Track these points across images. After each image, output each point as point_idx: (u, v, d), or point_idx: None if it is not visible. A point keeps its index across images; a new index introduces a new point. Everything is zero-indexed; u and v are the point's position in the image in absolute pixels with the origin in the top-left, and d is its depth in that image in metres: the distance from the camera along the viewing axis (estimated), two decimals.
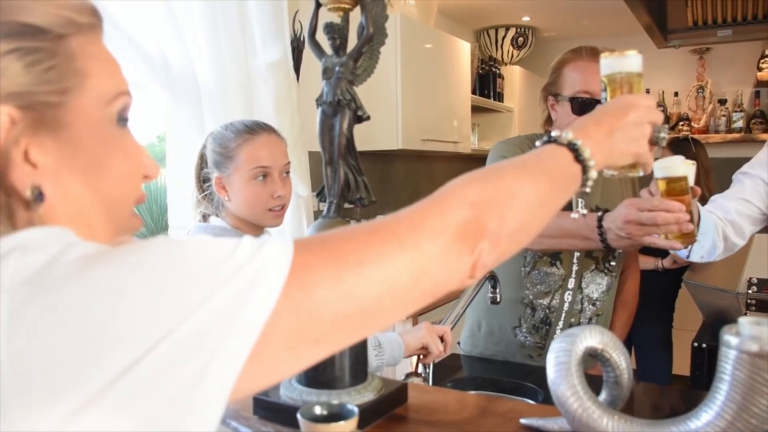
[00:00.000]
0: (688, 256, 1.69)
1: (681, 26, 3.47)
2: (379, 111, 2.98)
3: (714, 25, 3.42)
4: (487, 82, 4.22)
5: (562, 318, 1.73)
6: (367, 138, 3.04)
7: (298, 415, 0.77)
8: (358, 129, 3.16)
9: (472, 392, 1.57)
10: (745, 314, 2.47)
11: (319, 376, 0.95)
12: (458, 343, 1.96)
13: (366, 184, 0.98)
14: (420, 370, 1.30)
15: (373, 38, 0.95)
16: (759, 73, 4.30)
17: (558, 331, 1.74)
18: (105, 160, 0.56)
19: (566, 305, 1.72)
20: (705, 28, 3.44)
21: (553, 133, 0.74)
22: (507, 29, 4.48)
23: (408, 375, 1.27)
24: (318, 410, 0.79)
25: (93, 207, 0.55)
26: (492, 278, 1.48)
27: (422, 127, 3.11)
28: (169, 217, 2.58)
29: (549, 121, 1.78)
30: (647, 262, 2.83)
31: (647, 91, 4.68)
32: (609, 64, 1.03)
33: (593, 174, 0.74)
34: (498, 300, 1.51)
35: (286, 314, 0.45)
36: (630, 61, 1.03)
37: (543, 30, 4.68)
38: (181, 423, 0.42)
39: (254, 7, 2.40)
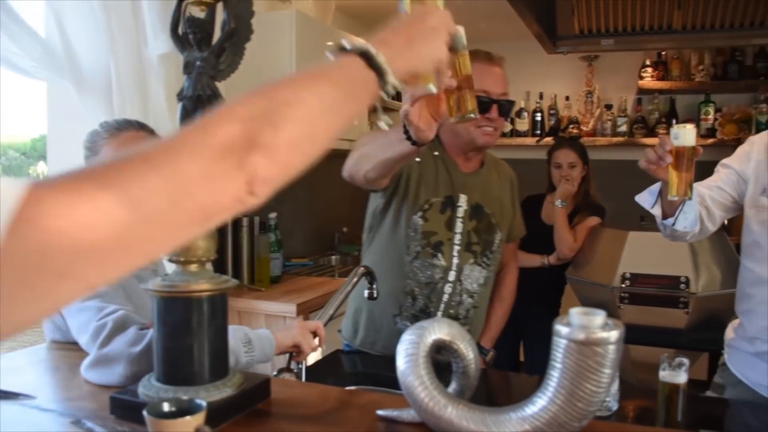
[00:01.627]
0: (673, 224, 1.79)
1: (569, 34, 3.63)
2: None
3: (598, 34, 3.60)
4: None
5: (441, 309, 1.77)
6: None
7: (144, 412, 0.76)
8: None
9: (352, 387, 1.59)
10: (619, 307, 2.62)
11: (176, 373, 0.94)
12: (339, 330, 1.99)
13: None
14: (293, 366, 1.30)
15: (235, 33, 0.95)
16: (640, 81, 4.56)
17: None
18: None
19: (446, 296, 1.77)
20: (590, 36, 3.61)
21: (344, 42, 0.74)
22: None
23: (280, 371, 1.28)
24: (166, 407, 0.78)
25: None
26: (369, 274, 1.51)
27: None
28: None
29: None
30: (534, 260, 2.95)
31: (540, 95, 4.88)
32: None
33: (391, 79, 0.73)
34: (375, 296, 1.54)
35: (16, 250, 0.42)
36: None
37: None
38: None
39: None
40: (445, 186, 1.78)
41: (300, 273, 3.26)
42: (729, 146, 4.40)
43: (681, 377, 1.43)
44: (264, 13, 2.96)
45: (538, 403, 0.80)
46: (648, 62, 4.57)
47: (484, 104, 1.67)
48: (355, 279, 1.47)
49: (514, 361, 3.14)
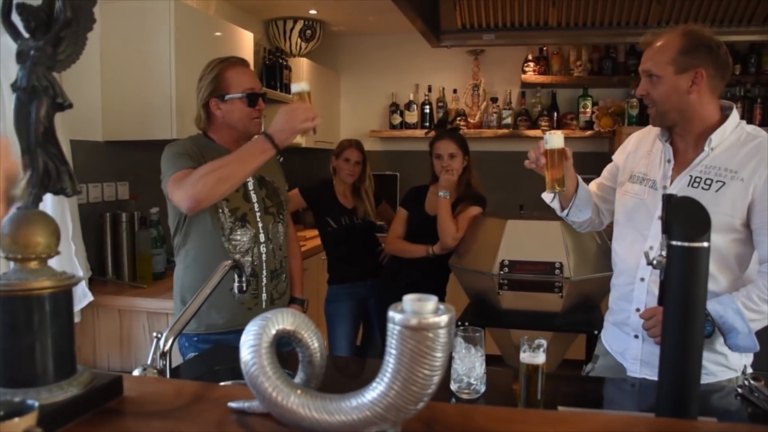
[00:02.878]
0: (567, 215, 2.06)
1: (451, 28, 3.73)
2: (153, 100, 2.88)
3: (480, 29, 3.71)
4: (273, 72, 4.23)
5: (264, 267, 2.12)
6: (141, 127, 2.92)
7: None
8: (132, 118, 3.02)
9: (227, 383, 1.58)
10: (498, 293, 2.72)
11: (17, 375, 0.90)
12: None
13: (70, 173, 0.94)
14: (157, 363, 1.28)
15: (72, 23, 0.92)
16: (523, 76, 4.75)
17: (264, 278, 2.12)
18: None
19: (264, 255, 2.13)
20: (472, 31, 3.73)
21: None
22: (295, 21, 4.52)
23: (144, 368, 1.25)
24: None
25: None
26: (236, 267, 1.50)
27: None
28: None
29: (208, 122, 2.15)
30: (419, 250, 3.01)
31: (429, 88, 4.98)
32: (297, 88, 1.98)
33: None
34: (244, 289, 1.53)
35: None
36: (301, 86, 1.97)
37: (331, 24, 4.78)
38: None
39: None
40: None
41: None
42: (605, 138, 4.66)
43: (539, 358, 1.51)
44: (142, 1, 2.86)
45: (377, 389, 0.82)
46: (530, 57, 4.76)
47: (254, 98, 2.10)
48: (222, 274, 1.46)
49: None
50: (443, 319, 0.79)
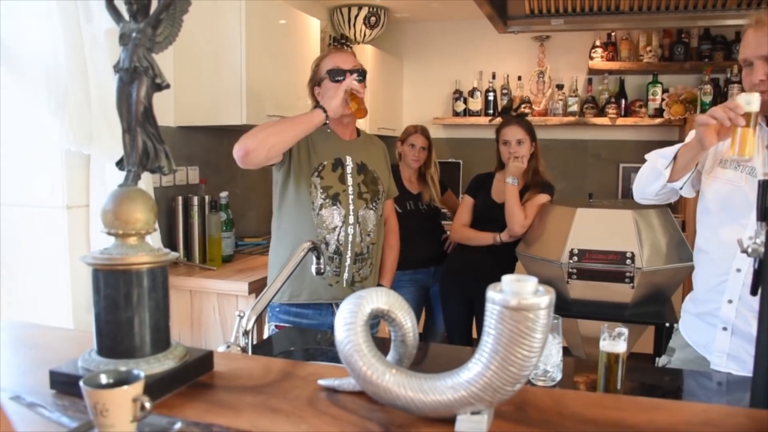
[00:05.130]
0: (681, 188, 1.88)
1: (519, 14, 3.66)
2: (223, 86, 2.92)
3: (548, 14, 3.64)
4: None
5: (349, 248, 2.20)
6: (212, 113, 2.97)
7: (81, 384, 0.75)
8: (203, 104, 3.08)
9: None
10: (567, 282, 2.68)
11: (116, 346, 0.93)
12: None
13: (167, 152, 0.97)
14: (240, 340, 1.31)
15: (171, 5, 0.94)
16: (591, 62, 4.64)
17: (348, 259, 2.20)
18: None
19: (350, 237, 2.20)
20: (540, 16, 3.65)
21: None
22: (360, 8, 4.52)
23: (228, 345, 1.28)
24: (103, 378, 0.78)
25: None
26: (315, 249, 1.51)
27: (268, 103, 3.09)
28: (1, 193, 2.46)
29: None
30: (485, 238, 2.99)
31: (493, 75, 4.92)
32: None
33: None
34: (322, 271, 1.55)
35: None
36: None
37: (395, 11, 4.77)
38: None
39: None
40: (332, 151, 2.22)
41: (252, 252, 3.25)
42: (675, 126, 4.52)
43: (620, 346, 1.48)
44: None
45: (474, 369, 0.82)
46: (598, 43, 4.64)
47: (341, 72, 2.19)
48: (302, 254, 1.48)
49: (467, 337, 3.20)
50: (544, 300, 0.78)
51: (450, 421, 0.83)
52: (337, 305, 2.17)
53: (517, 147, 2.91)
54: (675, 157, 1.85)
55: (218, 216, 2.95)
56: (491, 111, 4.87)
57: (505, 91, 4.92)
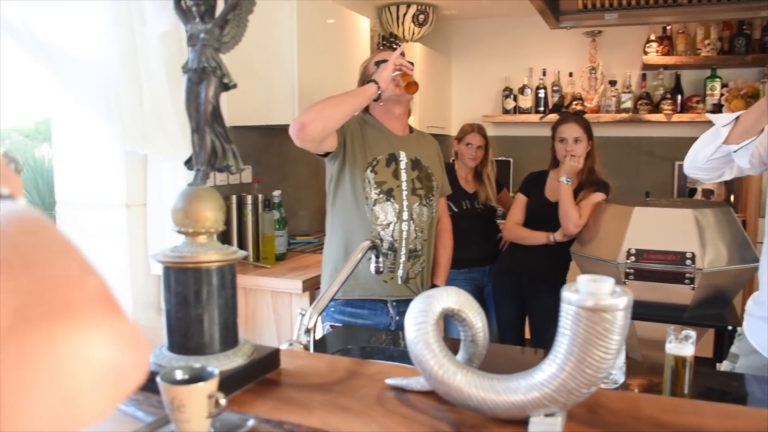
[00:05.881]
0: (735, 151, 1.76)
1: (572, 9, 3.60)
2: (276, 85, 2.95)
3: (602, 9, 3.57)
4: None
5: (404, 244, 2.19)
6: (264, 112, 3.00)
7: (158, 379, 0.76)
8: (255, 103, 3.11)
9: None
10: (624, 283, 2.62)
11: (187, 343, 0.94)
12: (317, 289, 2.33)
13: (234, 151, 0.97)
14: (302, 338, 1.31)
15: (238, 5, 0.94)
16: (645, 57, 4.53)
17: (403, 255, 2.20)
18: None
19: (404, 233, 2.19)
20: (594, 11, 3.58)
21: None
22: (408, 6, 4.51)
23: (290, 343, 1.29)
24: (179, 374, 0.79)
25: None
26: (374, 248, 1.51)
27: None
28: (57, 192, 2.53)
29: (366, 110, 2.31)
30: (539, 237, 2.95)
31: (544, 72, 4.85)
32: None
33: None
34: (381, 270, 1.55)
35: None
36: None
37: (444, 8, 4.74)
38: None
39: None
40: (385, 146, 2.22)
41: (305, 250, 3.27)
42: None
43: (687, 350, 1.43)
44: None
45: (547, 370, 0.80)
46: (653, 37, 4.53)
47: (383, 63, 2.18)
48: (361, 253, 1.48)
49: (520, 337, 3.16)
50: (622, 301, 0.76)
51: (522, 422, 0.82)
52: (392, 303, 2.17)
53: (574, 145, 2.86)
54: (737, 119, 1.74)
55: (271, 214, 2.97)
56: (542, 108, 4.80)
57: (555, 88, 4.85)
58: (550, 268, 2.98)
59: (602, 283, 0.78)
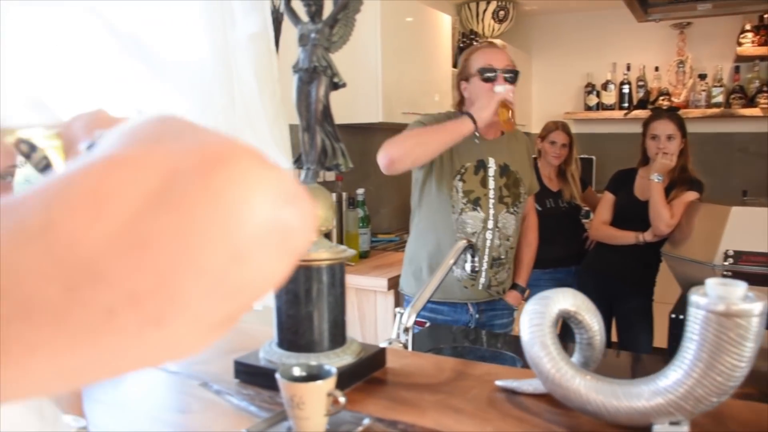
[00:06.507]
0: None
1: (661, 0, 3.48)
2: (360, 84, 2.97)
3: None
4: None
5: (487, 252, 2.15)
6: (348, 111, 3.02)
7: (277, 376, 0.77)
8: (338, 102, 3.13)
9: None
10: None
11: (298, 340, 0.96)
12: (400, 288, 2.34)
13: (343, 150, 0.98)
14: (401, 337, 1.31)
15: (348, 5, 0.95)
16: (739, 48, 4.32)
17: (485, 263, 2.16)
18: None
19: (488, 242, 2.15)
20: (685, 1, 3.45)
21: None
22: (488, 2, 4.46)
23: (389, 342, 1.29)
24: (297, 371, 0.80)
25: None
26: (470, 248, 1.50)
27: (403, 101, 3.10)
28: None
29: (461, 104, 2.22)
30: (628, 237, 2.86)
31: (628, 67, 4.71)
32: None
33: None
34: (477, 269, 1.53)
35: None
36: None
37: (524, 4, 4.66)
38: None
39: None
40: (474, 152, 2.15)
41: (387, 248, 3.28)
42: None
43: None
44: None
45: (672, 376, 0.77)
46: (748, 27, 4.32)
47: (491, 72, 2.09)
48: (458, 253, 1.47)
49: (606, 339, 3.08)
50: (756, 306, 0.72)
51: (643, 430, 0.79)
52: (473, 305, 2.16)
53: (667, 143, 2.75)
54: None
55: (355, 212, 3.00)
56: (626, 104, 4.66)
57: (641, 83, 4.69)
58: (639, 269, 2.89)
59: (733, 287, 0.74)
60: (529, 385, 0.90)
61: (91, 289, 0.27)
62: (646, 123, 2.86)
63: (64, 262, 0.27)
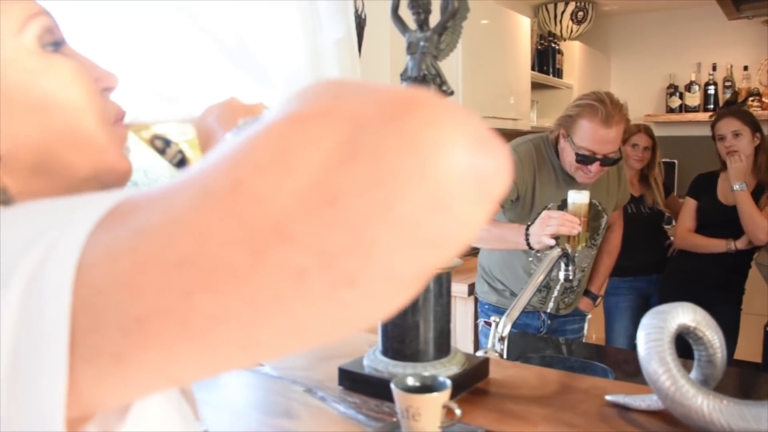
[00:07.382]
0: None
1: None
2: None
3: None
4: (546, 58, 4.14)
5: (559, 285, 2.12)
6: None
7: (392, 386, 0.78)
8: None
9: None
10: None
11: (404, 349, 0.96)
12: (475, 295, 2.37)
13: None
14: (496, 346, 1.30)
15: (457, 13, 0.95)
16: None
17: (556, 292, 2.14)
18: (38, 94, 0.47)
19: (561, 274, 1.95)
20: None
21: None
22: (566, 3, 4.38)
23: (485, 351, 1.28)
24: (410, 381, 0.80)
25: (48, 145, 0.48)
26: (565, 256, 1.47)
27: (481, 104, 3.08)
28: None
29: (556, 140, 2.08)
30: (717, 245, 2.75)
31: (714, 67, 4.54)
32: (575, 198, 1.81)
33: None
34: (570, 277, 1.51)
35: (77, 316, 0.28)
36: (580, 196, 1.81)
37: (603, 4, 4.56)
38: None
39: None
40: (558, 193, 2.06)
41: (467, 254, 3.26)
42: None
43: None
44: None
45: None
46: None
47: (589, 159, 1.93)
48: (551, 262, 1.45)
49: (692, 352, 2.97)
50: None
51: None
52: (544, 312, 2.15)
53: (734, 140, 2.62)
54: None
55: None
56: (711, 106, 4.49)
57: (728, 84, 4.52)
58: (726, 277, 2.78)
59: None
60: (642, 401, 0.88)
61: (280, 251, 0.26)
62: (712, 126, 2.75)
63: (251, 223, 0.26)
